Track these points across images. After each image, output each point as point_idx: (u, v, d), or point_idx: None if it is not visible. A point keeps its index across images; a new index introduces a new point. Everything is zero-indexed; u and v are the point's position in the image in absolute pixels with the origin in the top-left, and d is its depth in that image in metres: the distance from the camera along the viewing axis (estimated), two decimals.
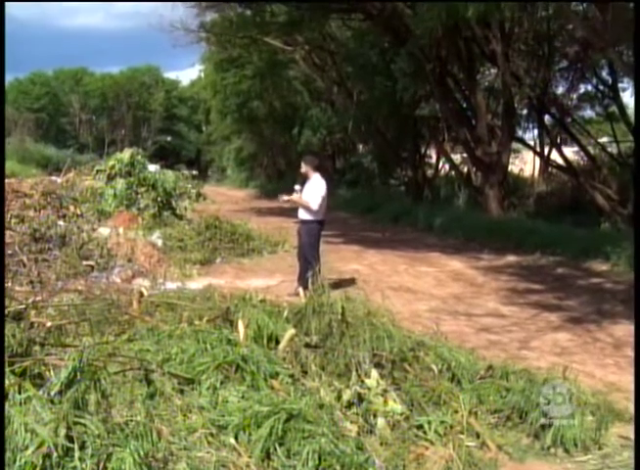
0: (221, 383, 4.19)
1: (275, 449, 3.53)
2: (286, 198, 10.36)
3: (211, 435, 3.60)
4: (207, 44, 32.17)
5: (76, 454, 3.17)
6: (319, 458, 3.46)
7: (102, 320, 5.72)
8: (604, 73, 23.60)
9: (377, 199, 26.75)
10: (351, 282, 10.81)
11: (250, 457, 3.48)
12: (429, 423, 4.30)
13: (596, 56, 20.70)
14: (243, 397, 3.93)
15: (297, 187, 10.05)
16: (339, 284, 10.08)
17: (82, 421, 3.32)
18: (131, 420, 3.46)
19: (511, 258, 14.35)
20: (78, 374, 3.60)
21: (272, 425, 3.55)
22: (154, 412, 3.67)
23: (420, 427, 4.31)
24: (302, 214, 10.12)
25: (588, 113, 29.25)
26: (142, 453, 3.12)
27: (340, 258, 13.33)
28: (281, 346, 5.30)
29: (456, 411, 4.48)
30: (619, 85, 22.58)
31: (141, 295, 6.60)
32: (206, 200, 20.94)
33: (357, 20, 25.52)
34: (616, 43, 15.90)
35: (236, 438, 3.61)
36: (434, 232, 19.39)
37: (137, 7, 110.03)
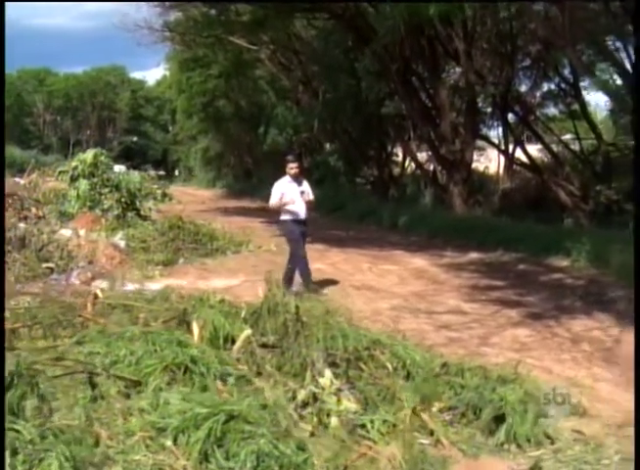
0: (168, 385, 4.16)
1: (213, 451, 3.49)
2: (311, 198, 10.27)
3: (150, 438, 3.55)
4: (172, 43, 32.01)
5: (7, 461, 3.11)
6: (257, 459, 3.44)
7: (54, 323, 5.66)
8: (566, 72, 23.79)
9: (343, 197, 26.69)
10: (314, 281, 10.75)
11: (187, 460, 3.45)
12: (372, 422, 4.30)
13: (557, 55, 20.90)
14: (184, 398, 3.89)
15: (302, 188, 10.06)
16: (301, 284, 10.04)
17: (15, 427, 3.26)
18: (69, 425, 3.41)
19: (474, 256, 14.43)
20: (15, 379, 3.55)
21: (211, 427, 3.51)
22: (94, 416, 3.63)
23: (364, 426, 4.30)
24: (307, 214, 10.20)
25: (552, 110, 29.47)
26: (73, 457, 3.07)
27: None
28: (235, 346, 5.28)
29: (401, 409, 4.47)
30: (581, 84, 22.80)
31: (95, 297, 6.53)
32: (172, 200, 20.83)
33: (322, 19, 25.51)
34: (574, 42, 16.05)
35: (175, 440, 3.57)
36: (399, 230, 19.46)
37: (101, 6, 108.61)
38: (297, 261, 10.05)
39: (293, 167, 10.09)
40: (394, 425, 4.24)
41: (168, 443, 3.51)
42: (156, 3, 25.78)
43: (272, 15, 22.08)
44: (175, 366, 4.32)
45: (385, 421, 4.26)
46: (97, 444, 3.39)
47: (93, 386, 3.98)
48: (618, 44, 17.73)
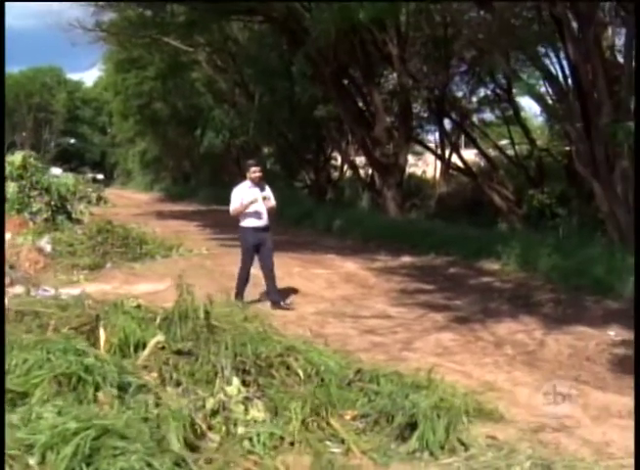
0: (55, 396, 3.93)
1: (81, 469, 3.30)
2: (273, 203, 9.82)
3: (14, 456, 3.33)
4: (107, 44, 31.42)
5: None
6: None
7: None
8: (501, 78, 24.00)
9: (279, 201, 26.41)
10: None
11: None
12: (257, 435, 4.14)
13: (491, 61, 21.11)
14: (60, 412, 3.67)
15: (264, 194, 9.62)
16: (226, 290, 9.83)
17: None
18: None
19: (406, 259, 14.42)
20: None
21: (79, 443, 3.31)
22: None
23: (250, 439, 4.15)
24: (268, 220, 9.79)
25: (488, 116, 29.69)
26: None
27: (233, 262, 13.03)
28: (143, 354, 5.09)
29: (289, 421, 4.32)
30: (514, 90, 23.06)
31: None
32: (108, 203, 20.46)
33: (257, 22, 25.34)
34: (506, 49, 16.21)
35: (43, 458, 3.36)
36: (334, 234, 19.39)
37: (37, 4, 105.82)
38: (242, 271, 9.83)
39: (255, 171, 9.65)
40: (282, 437, 4.09)
41: (32, 461, 3.29)
42: (90, 2, 25.18)
43: (207, 17, 21.84)
44: (66, 376, 4.10)
45: (271, 434, 4.11)
46: None
47: None
48: (549, 52, 18.01)
